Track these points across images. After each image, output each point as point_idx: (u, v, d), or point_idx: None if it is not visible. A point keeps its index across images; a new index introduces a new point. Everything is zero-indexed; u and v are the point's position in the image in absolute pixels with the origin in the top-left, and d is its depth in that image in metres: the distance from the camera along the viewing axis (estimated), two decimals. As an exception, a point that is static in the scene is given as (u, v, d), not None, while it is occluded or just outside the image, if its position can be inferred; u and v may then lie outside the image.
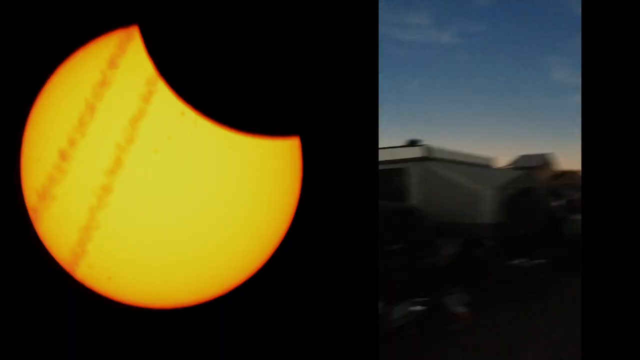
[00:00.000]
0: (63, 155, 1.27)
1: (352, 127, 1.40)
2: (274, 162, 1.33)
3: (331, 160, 1.40)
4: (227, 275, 1.37)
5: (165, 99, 1.26)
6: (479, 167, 5.67)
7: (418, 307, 2.89)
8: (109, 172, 1.25)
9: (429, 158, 4.72)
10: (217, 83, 1.28)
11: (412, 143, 4.98)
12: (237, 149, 1.29)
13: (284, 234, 1.40)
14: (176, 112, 1.26)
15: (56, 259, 1.35)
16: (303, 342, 1.41)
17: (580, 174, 1.30)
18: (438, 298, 3.11)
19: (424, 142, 4.92)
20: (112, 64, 1.29)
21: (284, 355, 1.41)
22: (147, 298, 1.35)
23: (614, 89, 1.34)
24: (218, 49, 1.28)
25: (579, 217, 4.70)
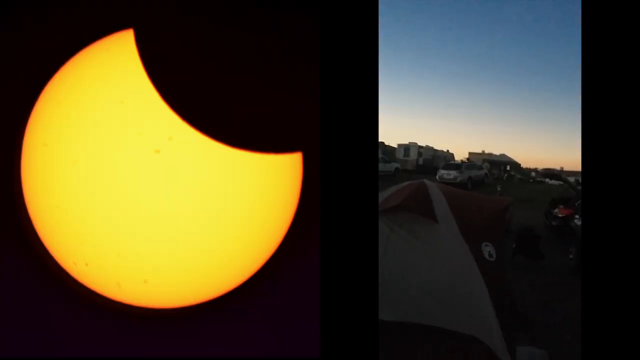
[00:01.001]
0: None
1: (352, 127, 1.40)
2: (276, 160, 1.32)
3: (331, 160, 1.40)
4: (226, 276, 1.37)
5: (159, 107, 1.25)
6: None
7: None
8: (109, 172, 1.25)
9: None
10: (209, 94, 1.27)
11: None
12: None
13: (284, 234, 1.40)
14: (165, 135, 1.25)
15: (55, 259, 1.35)
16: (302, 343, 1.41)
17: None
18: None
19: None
20: (110, 67, 1.29)
21: (284, 356, 1.41)
22: (146, 298, 1.35)
23: (614, 89, 1.34)
24: (211, 59, 1.27)
25: None
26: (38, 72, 1.34)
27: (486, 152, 33.32)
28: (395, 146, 26.71)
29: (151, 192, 1.25)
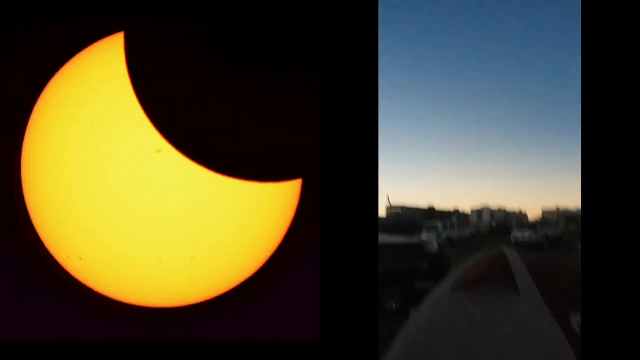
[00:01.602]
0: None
1: (353, 128, 1.40)
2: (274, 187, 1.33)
3: (331, 165, 1.39)
4: (226, 276, 1.37)
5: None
6: None
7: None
8: (109, 173, 1.25)
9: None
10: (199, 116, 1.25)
11: None
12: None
13: (283, 236, 1.40)
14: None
15: (54, 257, 1.35)
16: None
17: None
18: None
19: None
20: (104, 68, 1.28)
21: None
22: (146, 298, 1.35)
23: (614, 89, 1.34)
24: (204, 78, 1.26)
25: None
26: (37, 73, 1.34)
27: (561, 207, 30.82)
28: (469, 212, 28.34)
29: (151, 195, 1.25)
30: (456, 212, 28.73)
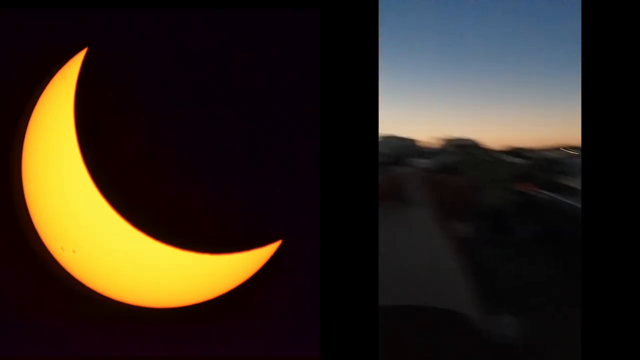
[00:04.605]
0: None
1: (353, 128, 1.40)
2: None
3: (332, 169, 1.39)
4: (225, 276, 1.37)
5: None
6: None
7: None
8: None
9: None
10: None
11: None
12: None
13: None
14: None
15: (50, 252, 1.34)
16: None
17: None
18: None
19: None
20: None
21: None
22: (145, 298, 1.35)
23: (615, 88, 1.34)
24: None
25: None
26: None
27: (454, 136, 32.56)
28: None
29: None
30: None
